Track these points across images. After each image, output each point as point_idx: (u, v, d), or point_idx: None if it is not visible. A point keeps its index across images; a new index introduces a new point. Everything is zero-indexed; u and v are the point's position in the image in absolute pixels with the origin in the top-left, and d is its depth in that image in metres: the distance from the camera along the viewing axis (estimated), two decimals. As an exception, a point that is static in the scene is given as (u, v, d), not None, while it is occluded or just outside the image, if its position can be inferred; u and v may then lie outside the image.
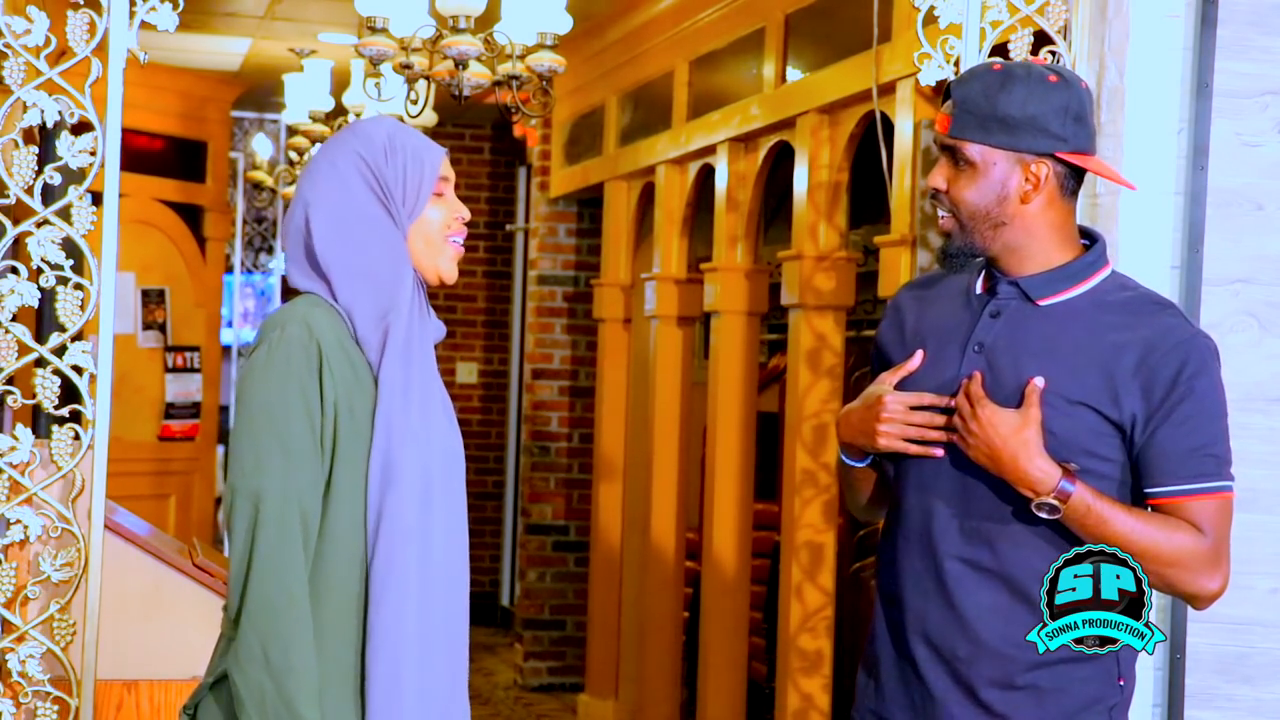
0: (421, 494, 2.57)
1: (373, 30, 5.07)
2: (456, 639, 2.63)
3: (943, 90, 2.76)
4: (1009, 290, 2.72)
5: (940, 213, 2.73)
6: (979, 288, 2.77)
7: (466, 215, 2.72)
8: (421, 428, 2.57)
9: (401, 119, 6.95)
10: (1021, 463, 2.60)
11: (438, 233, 2.68)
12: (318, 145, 7.60)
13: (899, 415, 2.71)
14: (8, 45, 3.50)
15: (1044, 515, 2.60)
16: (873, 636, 2.81)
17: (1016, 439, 2.60)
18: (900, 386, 2.77)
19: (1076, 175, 2.73)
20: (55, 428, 3.53)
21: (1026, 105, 2.65)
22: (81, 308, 3.52)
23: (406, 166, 2.65)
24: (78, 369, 3.52)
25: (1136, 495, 2.67)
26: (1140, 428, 2.63)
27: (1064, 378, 2.65)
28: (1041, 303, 2.71)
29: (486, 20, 5.23)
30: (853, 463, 2.83)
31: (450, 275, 2.71)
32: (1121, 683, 2.69)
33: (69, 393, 3.52)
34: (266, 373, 2.54)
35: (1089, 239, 2.77)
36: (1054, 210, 2.71)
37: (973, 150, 2.68)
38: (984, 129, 2.67)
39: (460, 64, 5.08)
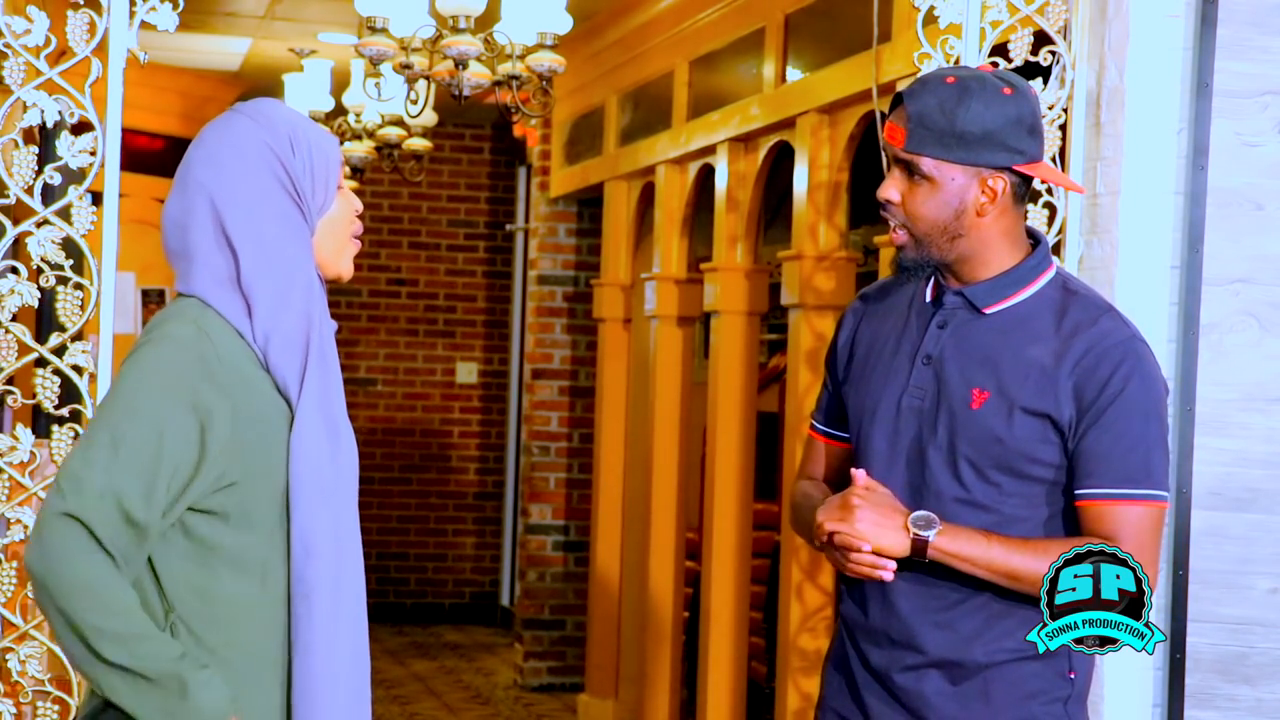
0: (334, 514, 2.43)
1: (373, 30, 5.08)
2: (363, 642, 2.50)
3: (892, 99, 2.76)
4: (955, 300, 2.74)
5: (892, 225, 2.74)
6: (927, 297, 2.78)
7: (360, 208, 2.55)
8: (333, 449, 2.43)
9: (401, 119, 6.98)
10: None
11: (344, 229, 2.51)
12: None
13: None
14: (8, 45, 3.50)
15: (922, 531, 2.65)
16: (840, 637, 2.84)
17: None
18: (853, 396, 2.82)
19: (1027, 182, 2.74)
20: (55, 428, 3.54)
21: (984, 120, 2.65)
22: (81, 308, 3.53)
23: (313, 158, 2.44)
24: (78, 369, 3.52)
25: (1071, 498, 2.69)
26: (1073, 430, 2.65)
27: (1010, 385, 2.67)
28: (987, 311, 2.72)
29: (486, 20, 5.23)
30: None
31: (349, 273, 2.53)
32: (1072, 675, 2.72)
33: (69, 393, 3.52)
34: (138, 370, 2.35)
35: (1033, 239, 2.78)
36: (1006, 218, 2.72)
37: (930, 166, 2.67)
38: (942, 145, 2.66)
39: (460, 64, 5.08)
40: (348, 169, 7.35)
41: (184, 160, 2.49)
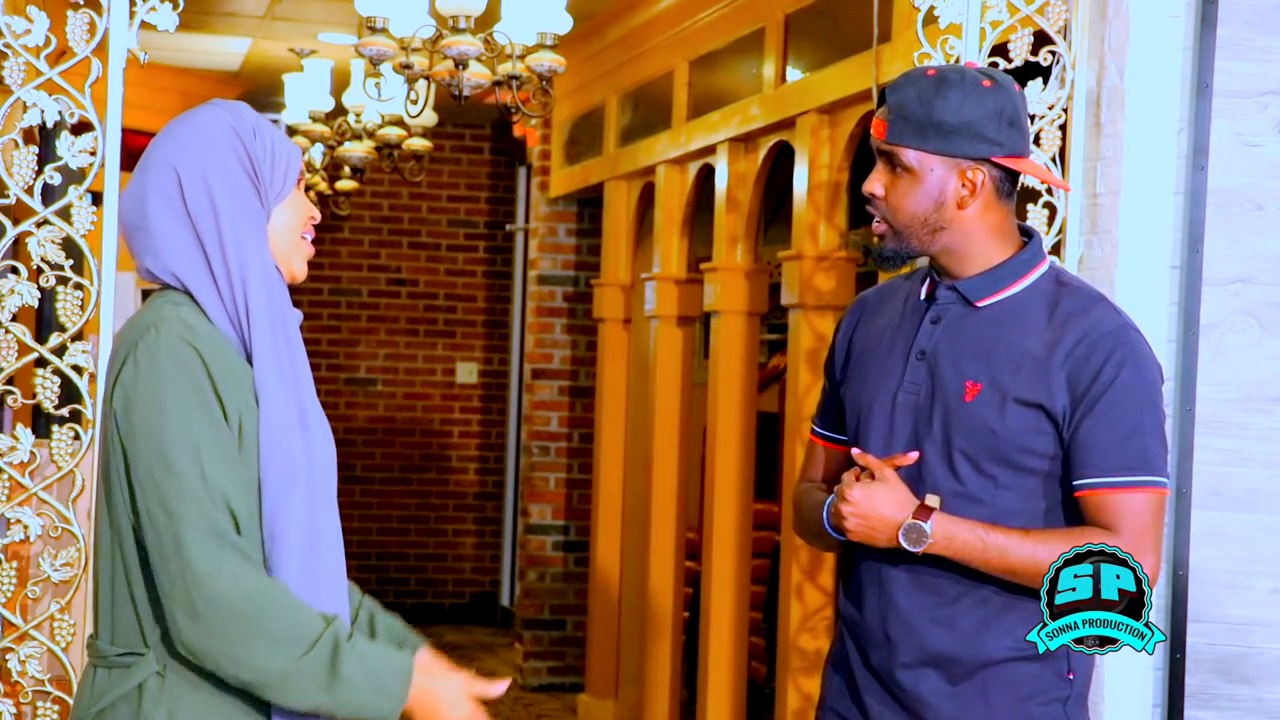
0: (307, 503, 2.42)
1: (373, 30, 5.07)
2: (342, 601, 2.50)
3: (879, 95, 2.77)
4: (948, 295, 2.75)
5: (875, 217, 2.75)
6: (921, 295, 2.80)
7: (318, 216, 2.59)
8: (304, 436, 2.43)
9: (401, 119, 6.98)
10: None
11: (298, 227, 2.54)
12: (318, 145, 7.61)
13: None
14: (8, 45, 3.50)
15: (911, 547, 2.64)
16: (841, 637, 2.85)
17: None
18: (850, 395, 2.83)
19: (1012, 177, 2.75)
20: (55, 428, 3.53)
21: (962, 111, 2.67)
22: (81, 308, 3.53)
23: (274, 148, 2.50)
24: (78, 369, 3.52)
25: (1069, 490, 2.69)
26: (1067, 420, 2.66)
27: (1004, 377, 2.67)
28: (979, 304, 2.73)
29: (486, 20, 5.23)
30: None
31: (302, 273, 2.56)
32: (1071, 676, 2.72)
33: (69, 393, 3.52)
34: (152, 388, 2.35)
35: (1026, 235, 2.79)
36: (992, 213, 2.73)
37: (910, 156, 2.69)
38: (920, 135, 2.68)
39: (460, 64, 5.08)
40: (348, 169, 7.36)
41: (148, 147, 2.52)
